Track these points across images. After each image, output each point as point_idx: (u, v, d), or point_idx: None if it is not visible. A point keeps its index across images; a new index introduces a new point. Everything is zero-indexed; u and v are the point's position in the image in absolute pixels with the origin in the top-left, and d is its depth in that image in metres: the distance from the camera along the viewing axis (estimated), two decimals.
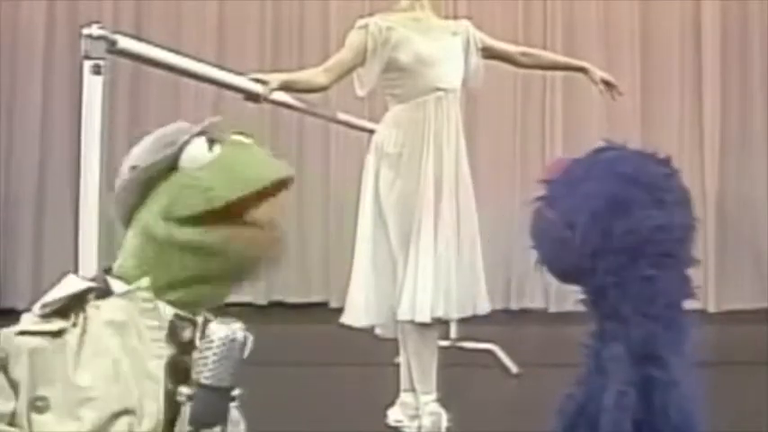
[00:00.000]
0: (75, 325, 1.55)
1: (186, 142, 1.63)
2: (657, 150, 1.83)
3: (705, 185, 6.93)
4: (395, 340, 3.58)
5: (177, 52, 2.67)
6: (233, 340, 1.55)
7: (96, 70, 2.20)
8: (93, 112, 2.21)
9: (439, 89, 3.45)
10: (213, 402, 1.55)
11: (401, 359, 3.62)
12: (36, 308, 1.58)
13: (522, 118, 7.14)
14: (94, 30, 2.20)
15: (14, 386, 1.51)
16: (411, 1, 3.54)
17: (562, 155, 6.89)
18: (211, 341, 1.55)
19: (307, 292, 7.02)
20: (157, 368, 1.56)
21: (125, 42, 2.30)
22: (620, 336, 1.71)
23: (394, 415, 3.63)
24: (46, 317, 1.56)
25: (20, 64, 6.82)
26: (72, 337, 1.53)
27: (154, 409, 1.54)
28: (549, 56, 4.11)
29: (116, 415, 1.50)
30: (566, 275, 1.83)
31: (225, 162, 1.61)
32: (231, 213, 1.59)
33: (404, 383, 3.62)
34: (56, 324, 1.54)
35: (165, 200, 1.60)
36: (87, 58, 2.20)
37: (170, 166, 1.62)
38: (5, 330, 1.56)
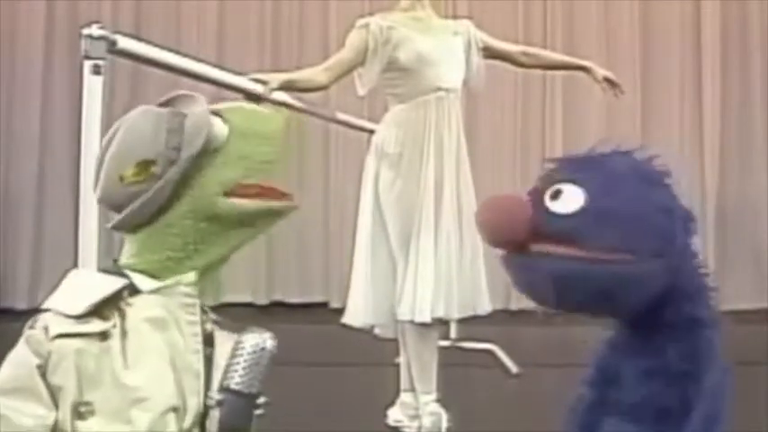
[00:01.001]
0: (114, 326, 1.53)
1: (209, 125, 1.64)
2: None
3: (705, 186, 6.94)
4: (395, 340, 3.58)
5: (177, 52, 2.67)
6: (263, 349, 1.61)
7: (96, 70, 2.20)
8: (92, 111, 2.22)
9: (440, 89, 3.45)
10: (241, 408, 1.60)
11: (401, 359, 3.62)
12: (63, 308, 1.54)
13: (522, 118, 7.14)
14: (94, 30, 2.20)
15: (55, 393, 1.49)
16: (412, 1, 3.54)
17: (562, 154, 6.94)
18: (243, 348, 1.60)
19: (307, 292, 7.02)
20: (198, 362, 1.58)
21: (125, 42, 2.31)
22: (649, 352, 1.70)
23: (394, 415, 3.63)
24: (81, 317, 1.53)
25: (19, 64, 6.82)
26: (114, 338, 1.52)
27: (195, 403, 1.55)
28: (551, 55, 4.11)
29: (165, 413, 1.51)
30: None
31: (246, 128, 1.67)
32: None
33: (404, 383, 3.62)
34: (97, 325, 1.52)
35: (219, 174, 1.61)
36: (87, 58, 2.20)
37: (204, 150, 1.62)
38: (33, 333, 1.52)
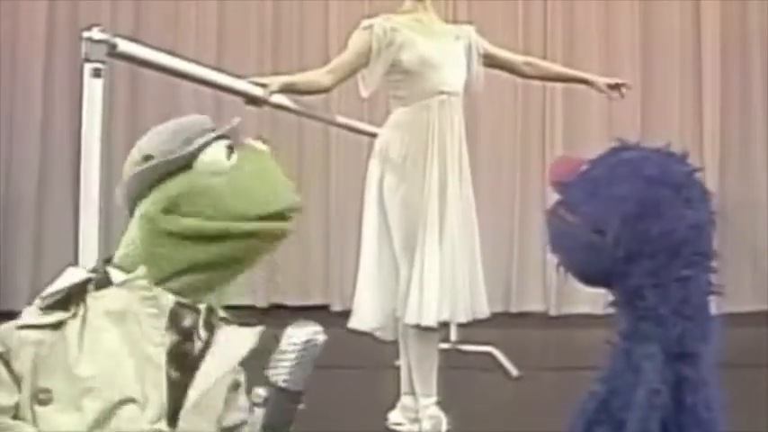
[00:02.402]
0: (74, 316, 1.56)
1: (207, 144, 1.65)
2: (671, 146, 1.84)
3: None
4: (395, 343, 3.58)
5: (177, 55, 2.67)
6: (315, 345, 1.58)
7: (96, 73, 2.20)
8: (93, 114, 2.22)
9: (442, 92, 3.45)
10: (287, 405, 1.56)
11: (401, 362, 3.62)
12: (36, 301, 1.60)
13: (522, 120, 7.14)
14: (95, 33, 2.20)
15: (17, 380, 1.52)
16: (415, 3, 3.54)
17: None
18: (295, 344, 1.56)
19: (307, 294, 7.02)
20: (158, 355, 1.56)
21: (125, 46, 2.31)
22: (655, 336, 1.71)
23: (394, 418, 3.63)
24: (47, 309, 1.57)
25: (20, 66, 6.82)
26: (72, 328, 1.54)
27: (157, 396, 1.54)
28: (553, 67, 4.08)
29: (119, 404, 1.50)
30: (594, 280, 1.82)
31: (240, 178, 1.63)
32: None
33: (404, 386, 3.62)
34: (55, 316, 1.55)
35: (173, 196, 1.62)
36: (87, 61, 2.20)
37: (186, 163, 1.64)
38: (6, 325, 1.57)
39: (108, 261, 1.68)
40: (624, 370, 1.74)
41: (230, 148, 1.66)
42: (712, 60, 7.09)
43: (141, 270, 1.60)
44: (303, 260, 6.98)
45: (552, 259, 1.85)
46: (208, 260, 1.62)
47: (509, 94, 6.96)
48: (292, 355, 1.55)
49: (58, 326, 1.54)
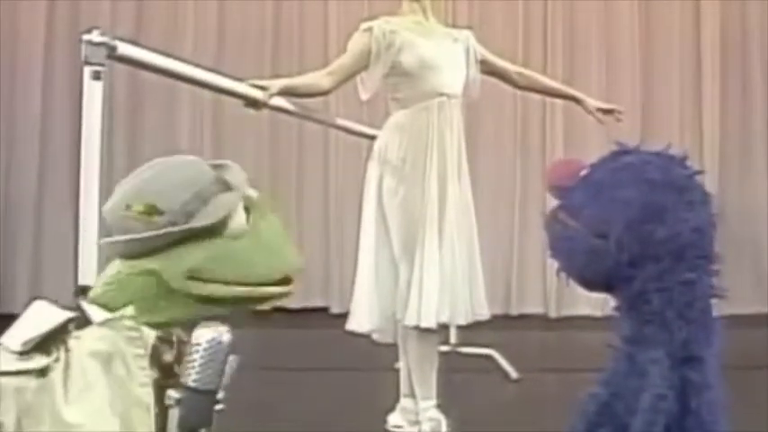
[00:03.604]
0: (57, 360, 1.52)
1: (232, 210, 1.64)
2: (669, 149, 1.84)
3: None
4: (394, 345, 3.58)
5: (177, 58, 2.67)
6: (219, 343, 1.58)
7: (96, 76, 2.20)
8: (92, 117, 2.22)
9: (442, 94, 3.44)
10: (200, 405, 1.57)
11: (401, 364, 3.62)
12: (10, 344, 1.53)
13: (522, 123, 7.13)
14: (95, 36, 2.20)
15: None
16: (413, 5, 3.54)
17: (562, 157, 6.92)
18: (198, 344, 1.57)
19: (307, 297, 7.01)
20: (147, 395, 1.55)
21: (125, 48, 2.31)
22: (661, 340, 1.71)
23: (394, 420, 3.62)
24: (25, 354, 1.52)
25: (20, 69, 6.82)
26: (56, 373, 1.50)
27: None
28: (545, 80, 4.02)
29: None
30: (596, 284, 1.82)
31: (259, 243, 1.66)
32: None
33: (404, 389, 3.62)
34: (38, 361, 1.51)
35: (200, 261, 1.60)
36: (87, 63, 2.20)
37: (213, 228, 1.62)
38: None
39: (82, 292, 1.65)
40: (628, 374, 1.74)
41: (247, 210, 1.67)
42: (712, 62, 7.09)
43: (129, 310, 1.57)
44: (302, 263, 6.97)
45: (553, 264, 1.85)
46: (208, 316, 1.63)
47: (509, 97, 6.93)
48: (200, 355, 1.56)
49: (42, 372, 1.50)
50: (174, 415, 1.56)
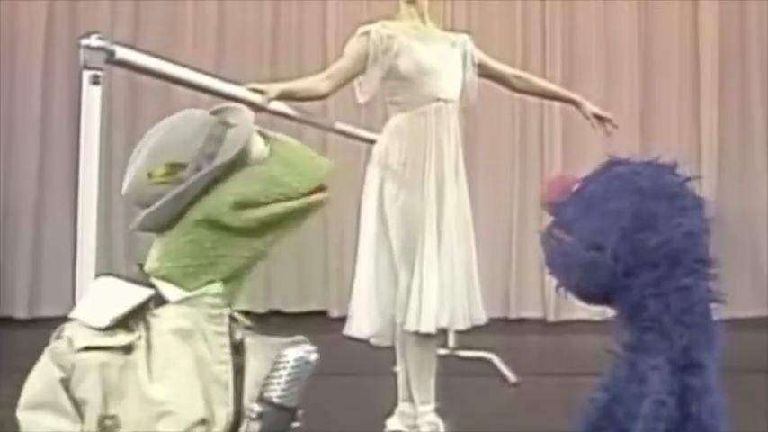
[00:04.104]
0: (140, 337, 1.52)
1: (249, 139, 1.65)
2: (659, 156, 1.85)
3: (702, 191, 6.87)
4: (393, 349, 3.57)
5: (175, 62, 2.68)
6: (307, 363, 1.62)
7: (95, 80, 2.21)
8: (91, 121, 2.22)
9: (439, 99, 3.45)
10: (281, 421, 1.59)
11: (399, 368, 3.62)
12: (89, 320, 1.53)
13: (520, 128, 7.14)
14: (93, 40, 2.20)
15: (79, 406, 1.48)
16: (410, 9, 3.54)
17: (561, 165, 6.93)
18: (287, 362, 1.60)
19: (305, 300, 7.01)
20: (226, 373, 1.56)
21: (123, 53, 2.31)
22: (660, 346, 1.71)
23: (392, 424, 3.62)
24: (107, 330, 1.52)
25: (19, 72, 6.82)
26: (139, 351, 1.51)
27: (223, 414, 1.54)
28: (543, 83, 4.02)
29: (191, 426, 1.49)
30: (594, 297, 1.83)
31: (285, 160, 1.66)
32: None
33: (402, 393, 3.62)
34: (122, 338, 1.51)
35: (240, 192, 1.60)
36: (86, 68, 2.21)
37: (238, 159, 1.62)
38: (57, 345, 1.51)
39: (141, 269, 1.63)
40: (628, 380, 1.74)
41: (263, 136, 1.68)
42: (711, 63, 7.10)
43: (215, 287, 1.59)
44: (301, 266, 6.98)
45: (551, 280, 1.86)
46: (262, 252, 1.64)
47: (507, 102, 6.94)
48: (287, 372, 1.59)
49: (127, 349, 1.50)
50: (254, 428, 1.57)
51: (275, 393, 1.58)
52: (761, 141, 7.09)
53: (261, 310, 6.85)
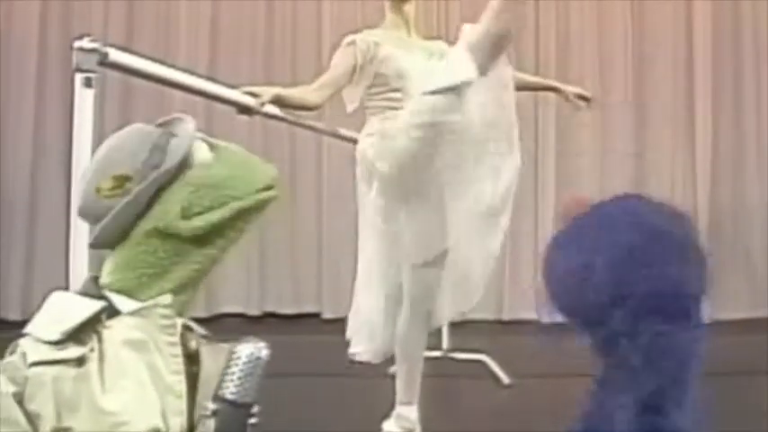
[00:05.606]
0: (92, 350, 1.53)
1: (191, 146, 1.68)
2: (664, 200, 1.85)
3: (697, 194, 6.93)
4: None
5: (169, 65, 2.68)
6: (258, 358, 1.62)
7: (87, 83, 2.21)
8: (84, 124, 2.22)
9: None
10: (236, 417, 1.60)
11: (395, 368, 3.62)
12: (41, 334, 1.54)
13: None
14: (86, 43, 2.20)
15: (33, 420, 1.48)
16: (397, 19, 3.59)
17: (554, 167, 6.92)
18: (239, 358, 1.60)
19: (299, 302, 7.01)
20: (179, 383, 1.57)
21: (116, 55, 2.31)
22: (627, 386, 1.71)
23: (389, 427, 3.62)
24: (58, 343, 1.52)
25: (12, 75, 6.80)
26: (92, 363, 1.52)
27: (177, 423, 1.55)
28: (522, 76, 4.02)
29: None
30: (575, 320, 1.83)
31: (229, 164, 1.69)
32: None
33: (399, 395, 3.62)
34: (74, 351, 1.52)
35: (184, 199, 1.63)
36: (79, 70, 2.20)
37: (182, 167, 1.66)
38: (10, 360, 1.52)
39: (95, 282, 1.65)
40: (598, 417, 1.75)
41: (208, 144, 1.72)
42: (704, 62, 7.07)
43: (165, 298, 1.59)
44: (295, 268, 6.98)
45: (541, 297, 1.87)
46: (216, 257, 1.66)
47: None
48: (239, 368, 1.60)
49: (79, 361, 1.51)
50: (209, 426, 1.58)
51: (228, 390, 1.59)
52: (755, 140, 7.09)
53: (255, 312, 6.86)
